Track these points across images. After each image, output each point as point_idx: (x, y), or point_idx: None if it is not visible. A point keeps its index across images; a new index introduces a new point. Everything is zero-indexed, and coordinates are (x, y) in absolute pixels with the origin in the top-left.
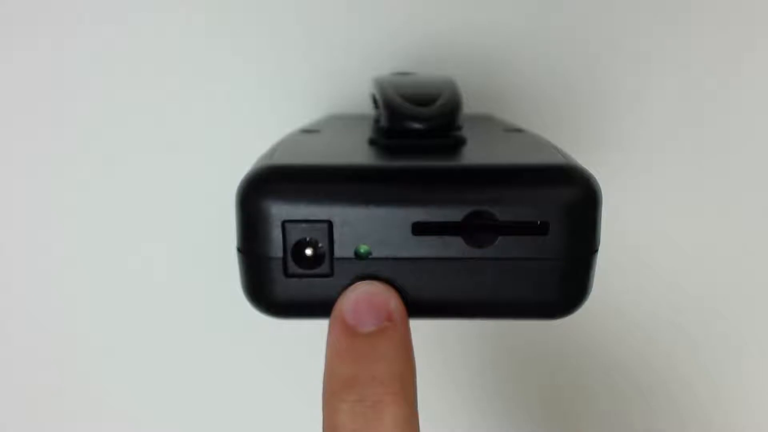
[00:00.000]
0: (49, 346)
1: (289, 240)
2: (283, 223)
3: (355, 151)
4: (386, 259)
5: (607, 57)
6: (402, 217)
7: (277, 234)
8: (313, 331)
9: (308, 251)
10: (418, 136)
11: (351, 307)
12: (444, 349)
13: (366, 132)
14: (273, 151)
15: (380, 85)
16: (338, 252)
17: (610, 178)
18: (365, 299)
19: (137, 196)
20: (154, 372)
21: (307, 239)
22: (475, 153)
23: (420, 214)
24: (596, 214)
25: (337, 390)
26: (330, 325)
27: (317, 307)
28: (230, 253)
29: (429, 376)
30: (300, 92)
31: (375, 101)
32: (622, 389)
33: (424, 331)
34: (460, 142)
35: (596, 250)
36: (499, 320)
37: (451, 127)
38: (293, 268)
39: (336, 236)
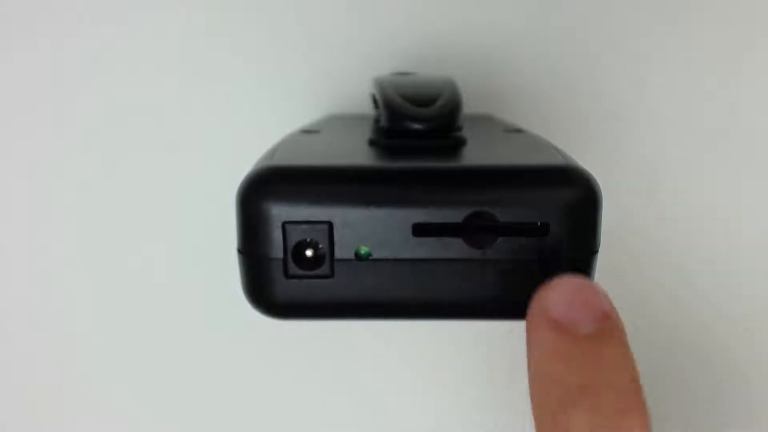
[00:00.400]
0: (49, 346)
1: (289, 241)
2: (284, 224)
3: (355, 151)
4: (386, 260)
5: (607, 57)
6: (402, 218)
7: (277, 235)
8: (313, 332)
9: (308, 252)
10: (418, 137)
11: (564, 305)
12: (444, 350)
13: (366, 132)
14: (273, 151)
15: (380, 85)
16: (338, 253)
17: (610, 178)
18: (579, 297)
19: (137, 196)
20: (154, 372)
21: (308, 240)
22: (475, 154)
23: (420, 215)
24: (596, 215)
25: (565, 397)
26: (535, 324)
27: (318, 308)
28: (230, 254)
29: (427, 378)
30: (300, 92)
31: (375, 101)
32: None
33: (423, 332)
34: (460, 143)
35: (596, 251)
36: (499, 322)
37: (451, 128)
38: (293, 269)
39: (336, 237)
